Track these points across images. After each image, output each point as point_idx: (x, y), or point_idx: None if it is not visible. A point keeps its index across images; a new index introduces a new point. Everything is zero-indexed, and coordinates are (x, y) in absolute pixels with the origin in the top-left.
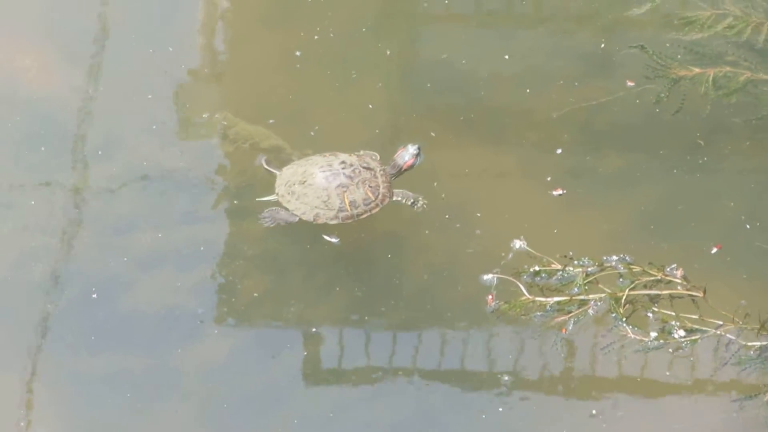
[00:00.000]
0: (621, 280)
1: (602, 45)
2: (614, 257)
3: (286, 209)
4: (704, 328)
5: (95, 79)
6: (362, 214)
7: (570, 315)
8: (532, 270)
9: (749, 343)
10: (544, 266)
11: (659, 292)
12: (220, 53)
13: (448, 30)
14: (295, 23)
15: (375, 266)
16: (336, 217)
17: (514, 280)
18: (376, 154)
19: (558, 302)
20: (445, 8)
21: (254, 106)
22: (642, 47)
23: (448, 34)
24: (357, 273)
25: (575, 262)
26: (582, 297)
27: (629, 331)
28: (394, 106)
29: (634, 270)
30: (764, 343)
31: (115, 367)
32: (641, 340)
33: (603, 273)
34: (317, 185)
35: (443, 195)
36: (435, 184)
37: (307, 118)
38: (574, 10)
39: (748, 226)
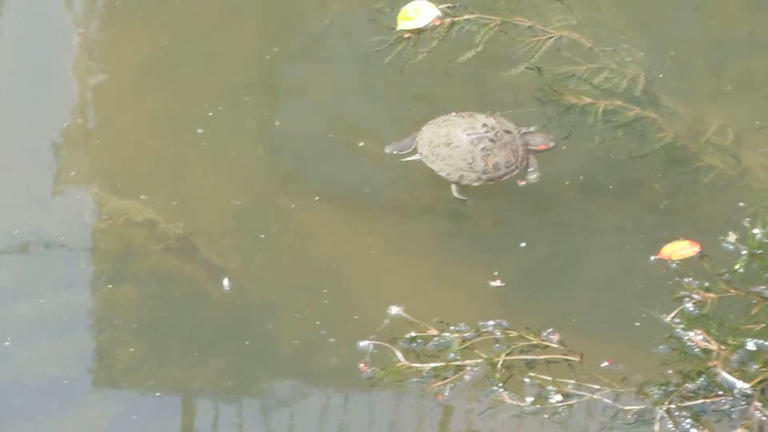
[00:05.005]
0: (497, 345)
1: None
2: (491, 322)
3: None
4: (581, 393)
5: None
6: (503, 177)
7: (446, 381)
8: (408, 336)
9: (626, 407)
10: (420, 332)
11: (536, 357)
12: (97, 126)
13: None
14: (180, 99)
15: (251, 332)
16: (479, 179)
17: (390, 346)
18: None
19: (434, 368)
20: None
21: (141, 179)
22: (538, 69)
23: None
24: (232, 338)
25: (452, 327)
26: (458, 362)
27: (506, 396)
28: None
29: (510, 335)
30: (641, 407)
31: None
32: (518, 405)
33: (480, 338)
34: (463, 147)
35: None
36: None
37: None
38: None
39: (624, 289)
